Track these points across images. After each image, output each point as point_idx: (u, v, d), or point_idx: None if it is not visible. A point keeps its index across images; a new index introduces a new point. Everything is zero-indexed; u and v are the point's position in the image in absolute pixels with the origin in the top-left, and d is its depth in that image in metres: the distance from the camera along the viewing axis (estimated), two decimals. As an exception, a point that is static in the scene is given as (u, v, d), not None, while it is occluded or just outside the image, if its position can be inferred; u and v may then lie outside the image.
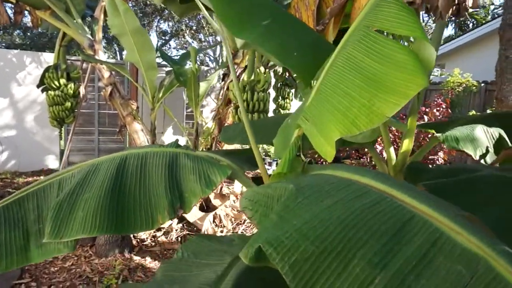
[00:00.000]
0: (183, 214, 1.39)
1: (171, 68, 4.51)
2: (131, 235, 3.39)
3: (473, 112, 5.83)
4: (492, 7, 12.11)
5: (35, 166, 6.32)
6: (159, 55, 6.81)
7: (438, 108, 5.05)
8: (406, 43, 1.52)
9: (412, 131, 1.63)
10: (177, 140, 1.46)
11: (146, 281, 2.88)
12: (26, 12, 4.22)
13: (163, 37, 16.10)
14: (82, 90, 4.24)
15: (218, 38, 13.91)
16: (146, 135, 4.09)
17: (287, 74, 4.70)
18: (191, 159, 1.31)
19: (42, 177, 5.71)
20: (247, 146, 2.83)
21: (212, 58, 14.84)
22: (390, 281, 0.63)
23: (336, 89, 1.06)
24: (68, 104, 4.07)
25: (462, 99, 6.59)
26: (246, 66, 3.29)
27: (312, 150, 1.26)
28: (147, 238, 3.58)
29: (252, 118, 2.89)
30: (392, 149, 1.66)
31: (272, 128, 1.87)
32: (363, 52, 1.03)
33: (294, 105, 5.12)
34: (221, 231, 3.66)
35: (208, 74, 6.79)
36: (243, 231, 3.79)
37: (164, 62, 6.07)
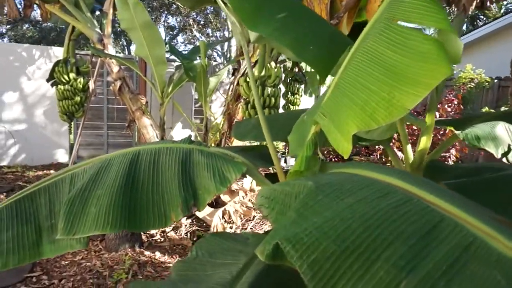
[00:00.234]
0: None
1: (180, 63, 4.49)
2: (140, 230, 3.39)
3: (486, 108, 5.72)
4: (505, 2, 11.87)
5: (45, 160, 6.37)
6: (168, 49, 6.79)
7: (449, 104, 4.97)
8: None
9: (431, 128, 1.59)
10: (190, 136, 1.43)
11: (156, 276, 2.88)
12: (35, 6, 4.21)
13: (171, 32, 16.08)
14: (91, 85, 4.24)
15: (226, 33, 13.85)
16: (155, 130, 4.07)
17: (297, 70, 4.65)
18: (205, 156, 1.28)
19: (52, 171, 5.77)
20: (256, 143, 2.80)
21: (220, 53, 14.80)
22: (417, 286, 0.60)
23: (354, 83, 1.02)
24: (77, 98, 4.07)
25: (474, 95, 6.48)
26: (256, 61, 3.25)
27: (325, 147, 1.23)
28: (156, 233, 3.58)
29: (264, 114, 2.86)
30: (409, 147, 1.61)
31: (285, 124, 1.84)
32: (384, 45, 0.99)
33: (303, 100, 5.08)
34: (230, 227, 3.64)
35: (217, 69, 6.76)
36: (252, 227, 3.78)
37: (173, 57, 6.05)
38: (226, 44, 14.02)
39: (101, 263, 2.99)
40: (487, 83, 6.44)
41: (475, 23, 12.23)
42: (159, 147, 1.35)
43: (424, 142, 1.60)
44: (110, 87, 4.78)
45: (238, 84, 3.24)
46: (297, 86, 4.72)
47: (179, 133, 7.02)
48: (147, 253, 3.21)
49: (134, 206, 1.17)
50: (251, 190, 4.27)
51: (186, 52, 4.72)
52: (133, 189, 1.21)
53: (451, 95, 5.14)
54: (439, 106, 4.94)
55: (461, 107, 5.00)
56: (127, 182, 1.22)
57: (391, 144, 4.24)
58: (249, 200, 4.13)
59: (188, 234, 3.56)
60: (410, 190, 0.76)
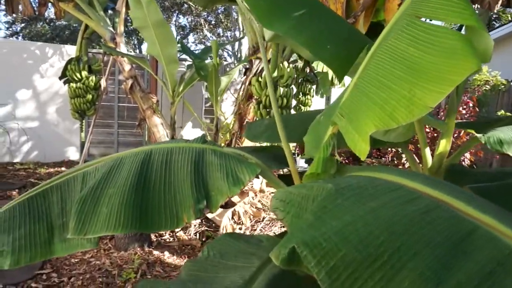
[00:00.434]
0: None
1: (191, 62, 4.48)
2: (150, 229, 3.38)
3: (502, 112, 5.60)
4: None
5: (57, 157, 6.43)
6: (179, 48, 6.80)
7: (464, 107, 4.87)
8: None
9: (451, 130, 1.53)
10: (203, 135, 1.41)
11: (165, 276, 2.86)
12: (49, 4, 4.24)
13: (182, 32, 16.16)
14: (103, 83, 4.25)
15: (237, 33, 13.84)
16: (165, 129, 4.07)
17: (308, 70, 4.60)
18: (218, 156, 1.25)
19: (63, 168, 5.81)
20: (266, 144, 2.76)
21: (230, 53, 14.80)
22: (446, 299, 0.56)
23: (374, 82, 0.99)
24: (89, 96, 4.09)
25: (489, 98, 6.34)
26: (268, 61, 3.21)
27: (340, 148, 1.19)
28: (165, 233, 3.57)
29: (275, 114, 2.82)
30: (428, 150, 1.56)
31: (297, 125, 1.80)
32: (406, 42, 0.96)
33: (315, 101, 5.02)
34: (240, 228, 3.61)
35: (228, 69, 6.74)
36: (261, 229, 3.74)
37: (184, 56, 6.05)
38: (237, 44, 14.02)
39: (110, 261, 2.99)
40: (503, 86, 6.30)
41: (491, 24, 12.01)
42: (171, 147, 1.32)
43: (444, 145, 1.54)
44: (121, 85, 4.79)
45: (250, 83, 3.21)
46: (309, 86, 4.66)
47: (189, 132, 7.02)
48: (156, 252, 3.19)
49: (146, 207, 1.15)
50: (261, 191, 4.23)
51: (197, 51, 4.71)
52: (144, 189, 1.19)
53: (466, 98, 5.04)
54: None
55: (477, 109, 4.89)
56: (138, 181, 1.20)
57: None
58: (258, 201, 4.10)
59: (197, 234, 3.54)
60: (437, 196, 0.72)
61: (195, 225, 3.65)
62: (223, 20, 14.67)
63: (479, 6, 1.35)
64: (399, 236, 0.62)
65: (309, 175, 1.09)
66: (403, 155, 4.89)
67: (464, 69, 0.80)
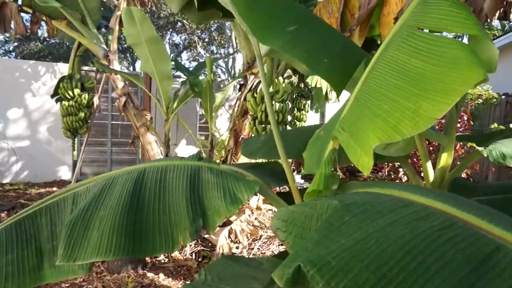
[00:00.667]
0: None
1: (185, 79, 4.46)
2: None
3: (495, 125, 5.63)
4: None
5: (48, 177, 6.30)
6: (173, 65, 6.81)
7: (459, 120, 4.88)
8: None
9: (452, 144, 1.50)
10: (199, 152, 1.36)
11: (159, 300, 2.75)
12: (42, 22, 4.23)
13: (176, 50, 16.27)
14: (96, 101, 4.21)
15: (231, 50, 13.97)
16: (159, 146, 4.01)
17: (303, 85, 4.60)
18: (215, 174, 1.20)
19: (55, 188, 5.66)
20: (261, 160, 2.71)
21: (224, 70, 14.89)
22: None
23: (376, 94, 0.96)
24: (81, 114, 4.03)
25: (481, 112, 6.39)
26: (263, 76, 3.20)
27: (340, 164, 1.15)
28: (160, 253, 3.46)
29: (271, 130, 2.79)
30: (429, 164, 1.53)
31: (295, 141, 1.76)
32: (408, 53, 0.94)
33: (309, 116, 5.01)
34: (237, 247, 3.52)
35: (222, 85, 6.75)
36: (259, 247, 3.65)
37: (178, 73, 6.04)
38: (230, 60, 14.14)
39: (103, 285, 2.88)
40: (494, 99, 6.36)
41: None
42: (166, 165, 1.27)
43: (445, 158, 1.51)
44: (114, 103, 4.75)
45: (245, 99, 3.19)
46: (303, 102, 4.65)
47: (183, 149, 6.96)
48: (150, 275, 3.09)
49: (139, 230, 1.09)
50: (258, 208, 4.16)
51: (191, 68, 4.70)
52: (138, 210, 1.13)
53: (461, 111, 5.07)
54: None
55: (471, 123, 4.91)
56: (131, 202, 1.15)
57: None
58: (255, 219, 4.02)
59: (193, 254, 3.43)
60: (451, 212, 0.68)
61: (190, 245, 3.55)
62: (216, 38, 14.82)
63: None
64: (415, 256, 0.57)
65: (311, 193, 1.04)
66: (400, 170, 4.86)
67: (469, 78, 0.78)
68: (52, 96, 4.11)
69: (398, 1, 1.78)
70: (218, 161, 3.94)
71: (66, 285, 2.89)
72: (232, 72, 14.41)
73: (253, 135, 3.24)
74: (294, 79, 4.47)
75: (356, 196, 0.79)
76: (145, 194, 1.18)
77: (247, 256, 3.49)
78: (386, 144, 1.59)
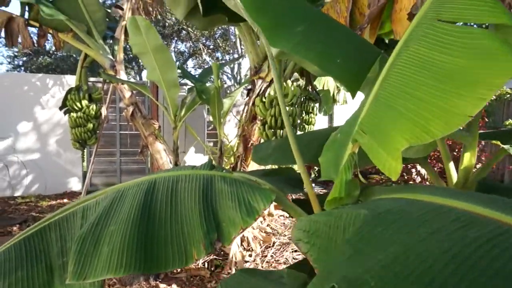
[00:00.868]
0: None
1: (192, 86, 4.43)
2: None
3: (510, 121, 5.50)
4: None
5: (59, 189, 6.32)
6: (180, 73, 6.81)
7: (472, 118, 4.77)
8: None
9: (475, 142, 1.43)
10: (210, 161, 1.31)
11: (173, 312, 2.70)
12: (49, 36, 4.25)
13: (181, 57, 16.36)
14: (104, 111, 4.20)
15: (236, 56, 13.98)
16: (168, 155, 3.98)
17: (310, 88, 4.54)
18: (228, 183, 1.15)
19: (65, 200, 5.65)
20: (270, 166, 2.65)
21: (230, 76, 14.91)
22: None
23: (398, 92, 0.90)
24: (90, 125, 4.02)
25: (495, 108, 6.26)
26: (271, 81, 3.15)
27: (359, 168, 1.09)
28: (171, 263, 3.41)
29: (282, 134, 2.73)
30: (452, 165, 1.45)
31: (310, 145, 1.70)
32: (431, 47, 0.87)
33: (318, 119, 4.94)
34: (250, 255, 3.46)
35: (228, 91, 6.72)
36: (272, 254, 3.58)
37: (184, 81, 6.03)
38: (236, 66, 14.14)
39: (115, 297, 2.83)
40: (508, 95, 6.23)
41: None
42: (177, 175, 1.22)
43: (468, 158, 1.44)
44: (122, 113, 4.74)
45: (253, 104, 3.14)
46: (312, 105, 4.59)
47: (192, 157, 6.93)
48: (163, 285, 3.04)
49: (151, 244, 1.04)
50: (270, 214, 4.09)
51: (197, 75, 4.68)
52: (149, 224, 1.08)
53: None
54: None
55: (485, 119, 4.80)
56: (142, 215, 1.10)
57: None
58: (267, 225, 3.95)
59: (206, 263, 3.38)
60: (500, 218, 0.61)
61: (202, 254, 3.49)
62: (221, 45, 14.86)
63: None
64: (469, 270, 0.50)
65: (332, 200, 0.98)
66: (413, 170, 4.75)
67: (505, 70, 0.71)
68: (61, 108, 4.11)
69: (410, -4, 1.72)
70: (227, 167, 3.89)
71: (79, 299, 2.85)
72: (238, 78, 14.41)
73: (262, 140, 3.18)
74: (301, 82, 4.42)
75: (386, 203, 0.72)
76: (156, 206, 1.13)
77: (260, 263, 3.42)
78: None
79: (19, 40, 4.10)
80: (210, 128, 7.01)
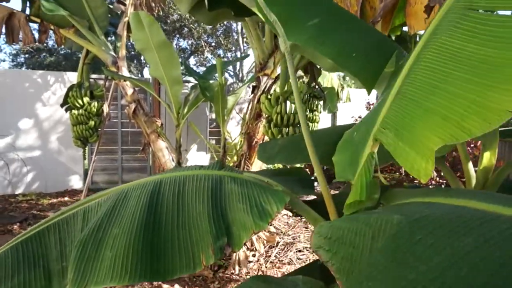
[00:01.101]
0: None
1: (195, 83, 4.36)
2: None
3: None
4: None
5: (60, 187, 6.26)
6: (183, 70, 6.73)
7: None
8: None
9: (496, 141, 1.36)
10: (219, 161, 1.24)
11: (176, 314, 2.64)
12: (51, 32, 4.18)
13: (183, 55, 16.28)
14: (105, 108, 4.13)
15: (238, 54, 13.90)
16: (170, 153, 3.91)
17: (315, 85, 4.47)
18: (239, 184, 1.09)
19: (66, 198, 5.58)
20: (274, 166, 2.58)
21: (232, 73, 14.83)
22: None
23: (428, 87, 0.83)
24: (91, 123, 3.96)
25: None
26: (276, 78, 3.08)
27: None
28: (174, 263, 3.35)
29: (288, 132, 2.67)
30: (471, 165, 1.39)
31: (321, 143, 1.63)
32: (464, 38, 0.80)
33: (322, 117, 4.87)
34: (253, 255, 3.40)
35: (230, 89, 6.65)
36: (276, 254, 3.52)
37: (186, 78, 5.97)
38: (238, 63, 14.06)
39: (117, 298, 2.77)
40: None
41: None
42: (183, 175, 1.16)
43: (488, 158, 1.37)
44: (124, 110, 4.67)
45: (258, 101, 3.07)
46: (316, 102, 4.52)
47: (194, 155, 6.86)
48: (166, 286, 2.98)
49: (157, 249, 0.97)
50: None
51: (202, 72, 4.60)
52: (154, 227, 1.02)
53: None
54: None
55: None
56: (147, 218, 1.03)
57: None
58: (271, 225, 3.89)
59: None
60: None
61: (205, 254, 3.43)
62: (223, 42, 14.77)
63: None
64: None
65: (351, 204, 0.91)
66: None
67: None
68: (62, 105, 4.05)
69: (427, -12, 1.64)
70: (230, 165, 3.82)
71: (80, 300, 2.79)
72: (240, 75, 14.33)
73: (267, 138, 3.11)
74: (306, 79, 4.34)
75: (419, 209, 0.66)
76: (162, 209, 1.06)
77: (264, 263, 3.36)
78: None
79: (20, 36, 4.03)
80: (212, 126, 6.94)
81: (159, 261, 0.95)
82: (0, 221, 4.54)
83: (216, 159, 4.31)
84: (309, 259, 3.52)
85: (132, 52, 14.92)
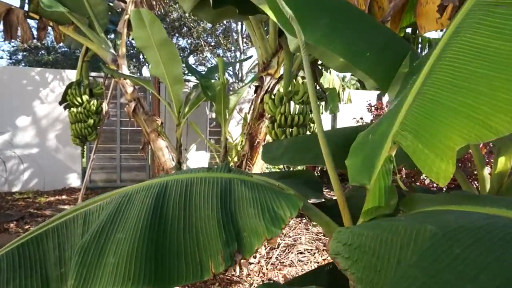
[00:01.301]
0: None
1: (196, 82, 4.31)
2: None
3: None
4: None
5: (58, 185, 6.20)
6: (184, 69, 6.68)
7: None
8: None
9: (511, 145, 1.32)
10: (227, 163, 1.19)
11: (176, 317, 2.59)
12: (49, 29, 4.12)
13: (182, 54, 16.22)
14: (105, 107, 4.08)
15: (238, 54, 13.85)
16: (170, 152, 3.86)
17: (317, 86, 4.43)
18: (249, 187, 1.04)
19: (64, 196, 5.51)
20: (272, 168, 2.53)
21: (231, 73, 14.78)
22: None
23: (451, 87, 0.79)
24: (90, 121, 3.90)
25: None
26: (280, 77, 3.04)
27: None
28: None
29: (291, 133, 2.62)
30: (486, 170, 1.35)
31: (329, 145, 1.59)
32: (488, 35, 0.77)
33: (322, 118, 4.83)
34: (254, 257, 3.35)
35: (231, 89, 6.60)
36: (277, 256, 3.47)
37: (187, 76, 5.91)
38: (237, 64, 14.02)
39: (116, 301, 2.72)
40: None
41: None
42: (190, 177, 1.11)
43: (503, 163, 1.33)
44: (123, 109, 4.63)
45: (261, 101, 3.02)
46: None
47: (194, 155, 6.81)
48: None
49: (162, 255, 0.92)
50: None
51: (204, 71, 4.55)
52: (160, 232, 0.97)
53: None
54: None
55: None
56: (152, 222, 0.98)
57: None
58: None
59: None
60: None
61: (205, 255, 3.38)
62: (222, 41, 14.72)
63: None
64: None
65: (369, 210, 0.87)
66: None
67: None
68: (61, 103, 3.99)
69: (439, -13, 1.60)
70: (231, 165, 3.77)
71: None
72: (240, 75, 14.29)
73: (270, 139, 3.07)
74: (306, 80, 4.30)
75: (454, 218, 0.61)
76: (168, 212, 1.01)
77: (265, 265, 3.31)
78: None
79: (19, 33, 3.97)
80: (212, 125, 6.89)
81: (164, 267, 0.91)
82: (-4, 220, 4.48)
83: (216, 158, 4.27)
84: (310, 261, 3.48)
85: (131, 51, 14.86)
